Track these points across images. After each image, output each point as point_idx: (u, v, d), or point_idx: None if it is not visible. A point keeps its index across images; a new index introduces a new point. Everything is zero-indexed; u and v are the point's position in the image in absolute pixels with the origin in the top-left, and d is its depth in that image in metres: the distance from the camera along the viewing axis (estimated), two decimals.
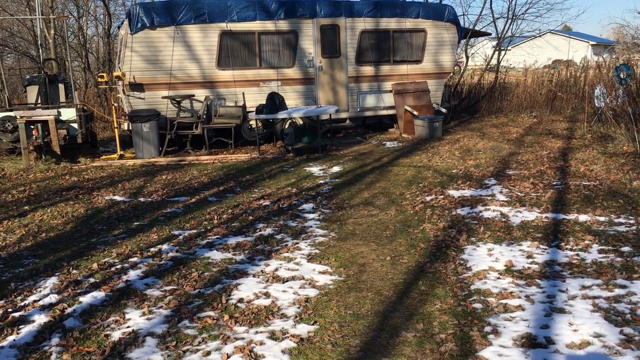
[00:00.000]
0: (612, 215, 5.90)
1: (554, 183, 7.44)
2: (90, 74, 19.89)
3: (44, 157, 10.27)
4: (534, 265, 4.67)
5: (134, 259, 5.16)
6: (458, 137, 11.93)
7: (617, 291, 4.08)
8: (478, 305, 3.99)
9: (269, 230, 5.95)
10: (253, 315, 3.97)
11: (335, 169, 9.32)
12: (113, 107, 11.47)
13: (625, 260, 4.67)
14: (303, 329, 3.74)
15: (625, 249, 4.92)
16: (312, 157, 10.43)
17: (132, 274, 4.79)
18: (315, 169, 9.33)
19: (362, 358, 3.37)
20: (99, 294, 4.37)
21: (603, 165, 8.29)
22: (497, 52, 17.67)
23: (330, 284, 4.51)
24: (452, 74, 14.58)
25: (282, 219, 6.36)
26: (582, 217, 5.88)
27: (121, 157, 11.00)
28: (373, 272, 4.74)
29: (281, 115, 10.68)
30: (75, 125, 10.80)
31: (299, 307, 4.08)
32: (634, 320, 3.65)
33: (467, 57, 17.74)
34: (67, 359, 3.43)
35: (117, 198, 7.66)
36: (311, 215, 6.52)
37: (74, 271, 4.89)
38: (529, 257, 4.88)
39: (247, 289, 4.43)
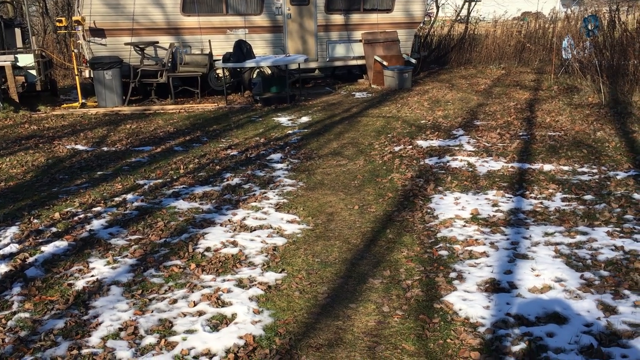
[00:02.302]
0: (575, 165, 6.00)
1: (521, 133, 7.51)
2: (49, 19, 19.02)
3: (1, 105, 9.87)
4: (499, 214, 4.74)
5: (98, 209, 5.05)
6: (427, 88, 11.90)
7: (579, 238, 4.18)
8: (444, 253, 4.04)
9: (236, 180, 5.88)
10: (220, 263, 3.95)
11: (304, 119, 9.21)
12: (73, 53, 11.03)
13: (588, 208, 4.77)
14: (271, 277, 3.73)
15: (588, 197, 5.03)
16: (280, 107, 10.28)
17: (96, 224, 4.69)
18: (283, 119, 9.21)
19: (329, 304, 3.39)
20: (62, 244, 4.28)
21: (568, 116, 8.39)
22: (467, 3, 17.47)
23: (298, 232, 4.50)
24: (422, 24, 14.41)
25: (250, 169, 6.29)
26: (547, 167, 5.97)
27: (83, 105, 10.66)
28: (341, 221, 4.74)
29: (249, 64, 10.44)
30: (34, 72, 10.38)
31: (266, 256, 4.07)
32: (594, 265, 3.74)
33: (438, 8, 17.49)
34: (29, 308, 3.37)
35: (80, 147, 7.45)
36: (279, 165, 6.46)
37: (35, 220, 4.76)
38: (494, 205, 4.94)
39: (214, 238, 4.39)
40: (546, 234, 4.27)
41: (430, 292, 3.50)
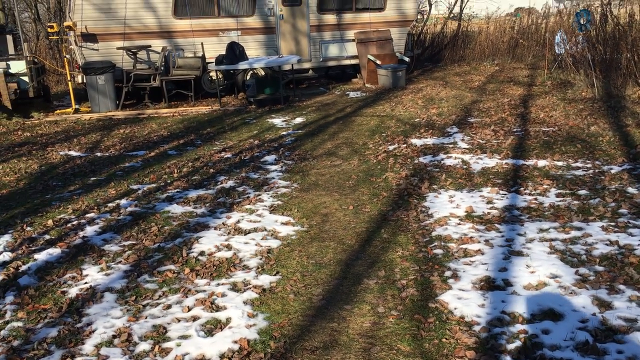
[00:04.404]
0: (570, 160, 6.00)
1: (515, 130, 7.50)
2: (41, 25, 18.97)
3: None
4: (494, 211, 4.72)
5: (91, 215, 5.02)
6: (421, 86, 11.89)
7: (574, 233, 4.17)
8: (439, 251, 4.03)
9: (230, 183, 5.86)
10: (214, 267, 3.93)
11: (298, 120, 9.20)
12: (65, 59, 11.00)
13: (582, 203, 4.77)
14: (265, 280, 3.72)
15: (582, 192, 5.02)
16: (274, 109, 10.26)
17: (89, 230, 4.67)
18: (277, 121, 9.20)
19: (324, 306, 3.37)
20: (55, 251, 4.26)
21: (562, 111, 8.38)
22: (460, 0, 17.49)
23: (292, 234, 4.48)
24: (415, 22, 14.40)
25: (244, 171, 6.27)
26: (541, 163, 5.96)
27: (76, 111, 10.62)
28: (336, 221, 4.73)
29: (242, 65, 10.41)
30: (26, 79, 10.32)
31: (261, 259, 4.05)
32: (589, 260, 3.73)
33: (430, 5, 17.51)
34: (23, 317, 3.34)
35: (73, 153, 7.42)
36: (273, 167, 6.44)
37: (28, 228, 4.74)
38: (488, 202, 4.93)
39: (208, 241, 4.37)
40: (541, 230, 4.26)
41: (425, 291, 3.48)
